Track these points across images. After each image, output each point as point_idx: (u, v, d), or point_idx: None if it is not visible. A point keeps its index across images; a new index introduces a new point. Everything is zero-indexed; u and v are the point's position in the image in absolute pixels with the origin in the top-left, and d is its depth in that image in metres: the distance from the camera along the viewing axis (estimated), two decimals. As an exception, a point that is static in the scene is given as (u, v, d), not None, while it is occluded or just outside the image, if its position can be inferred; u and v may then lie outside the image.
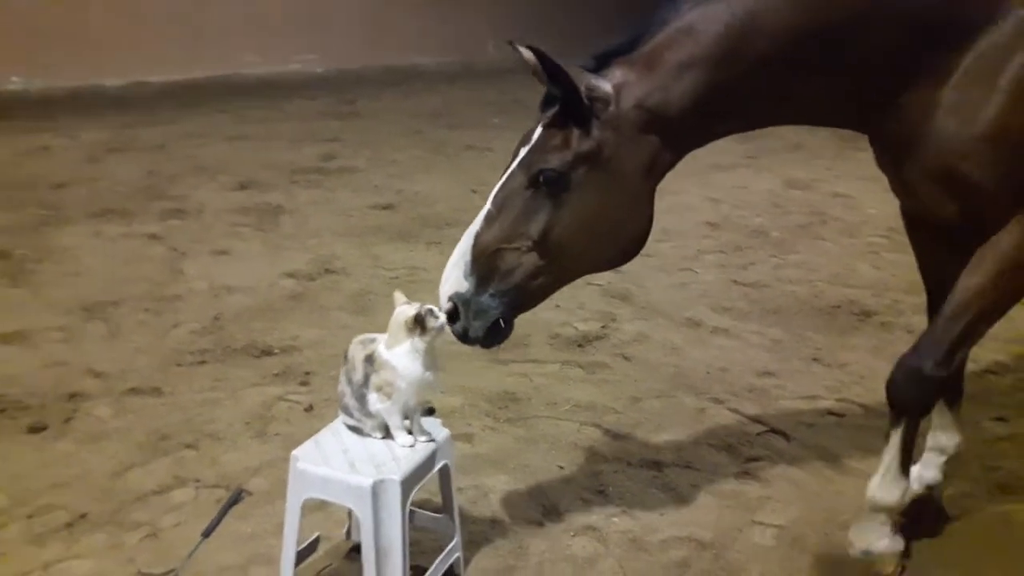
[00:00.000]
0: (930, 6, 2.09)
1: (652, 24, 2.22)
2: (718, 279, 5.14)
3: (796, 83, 2.20)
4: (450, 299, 2.30)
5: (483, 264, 2.26)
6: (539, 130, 2.26)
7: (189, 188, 6.91)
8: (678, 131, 2.25)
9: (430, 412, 2.51)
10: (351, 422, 2.37)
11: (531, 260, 2.27)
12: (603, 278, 5.05)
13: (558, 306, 4.65)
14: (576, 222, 2.25)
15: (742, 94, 2.21)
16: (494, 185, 2.31)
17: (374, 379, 2.27)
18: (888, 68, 2.16)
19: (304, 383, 3.78)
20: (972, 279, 2.26)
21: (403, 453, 2.29)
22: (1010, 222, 2.19)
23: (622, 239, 2.35)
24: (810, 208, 6.72)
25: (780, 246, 5.77)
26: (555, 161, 2.20)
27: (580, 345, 4.20)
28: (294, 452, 2.31)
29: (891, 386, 2.48)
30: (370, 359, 2.30)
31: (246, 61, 13.02)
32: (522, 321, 4.34)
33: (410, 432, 2.34)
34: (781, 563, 2.64)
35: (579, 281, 4.82)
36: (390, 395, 2.27)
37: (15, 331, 4.22)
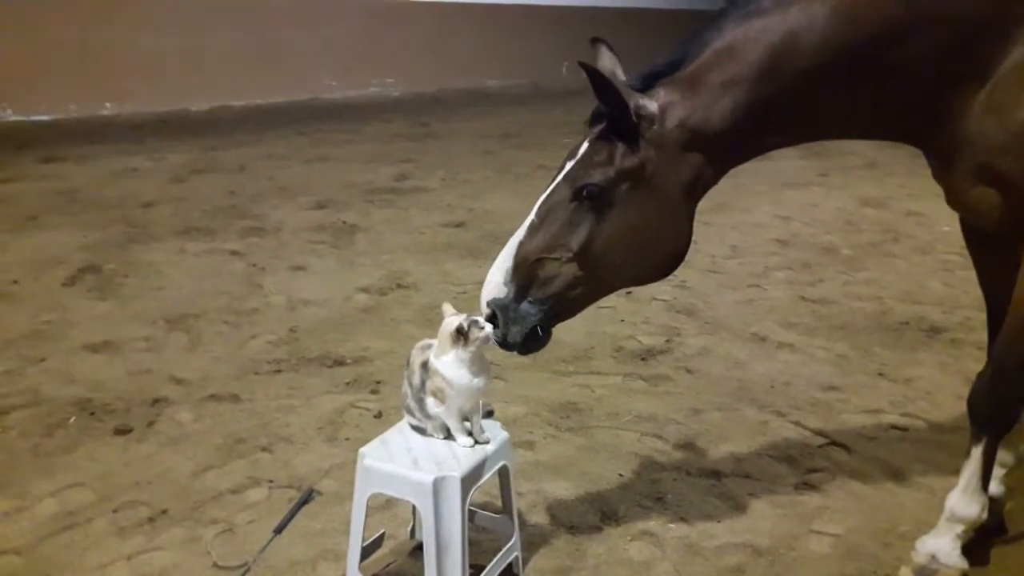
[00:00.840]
0: (967, 11, 2.11)
1: (695, 45, 2.28)
2: (785, 295, 5.12)
3: (837, 97, 2.23)
4: (488, 304, 2.36)
5: (523, 272, 2.33)
6: (585, 145, 2.32)
7: (269, 207, 7.20)
8: (721, 148, 2.30)
9: (489, 414, 2.59)
10: (414, 422, 2.48)
11: (570, 271, 2.33)
12: (669, 293, 5.10)
13: (623, 320, 4.72)
14: (616, 236, 2.30)
15: (784, 111, 2.25)
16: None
17: (429, 384, 2.38)
18: (928, 75, 2.18)
19: (374, 391, 3.92)
20: (1021, 288, 2.26)
21: (463, 452, 2.39)
22: None
23: (660, 255, 2.39)
24: (882, 226, 6.63)
25: (850, 263, 5.72)
26: (599, 176, 2.26)
27: (643, 358, 4.24)
28: (361, 450, 2.42)
29: (971, 402, 2.50)
30: (425, 365, 2.40)
31: (325, 85, 13.49)
32: (586, 334, 4.47)
33: (470, 433, 2.43)
34: (836, 571, 2.64)
35: (644, 296, 4.90)
36: (443, 400, 2.36)
37: (103, 341, 4.47)
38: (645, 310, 4.86)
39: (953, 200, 2.47)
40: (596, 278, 2.37)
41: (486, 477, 2.42)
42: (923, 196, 7.47)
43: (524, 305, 2.35)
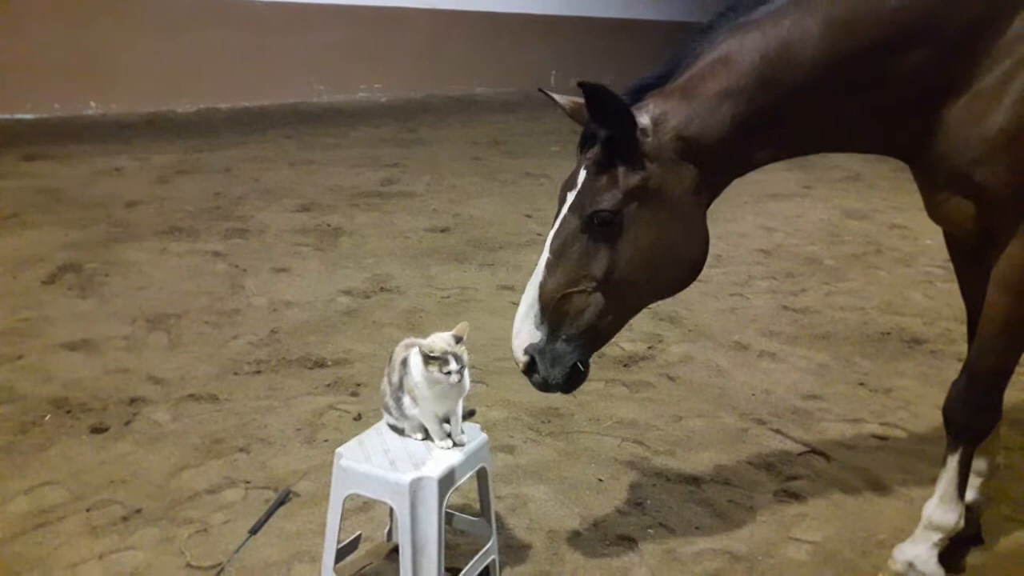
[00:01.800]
0: (952, 25, 2.14)
1: (685, 57, 2.29)
2: (768, 304, 5.13)
3: (828, 109, 2.25)
4: (526, 352, 2.32)
5: (552, 311, 2.29)
6: (583, 173, 2.29)
7: (253, 209, 7.16)
8: (718, 158, 2.29)
9: (470, 414, 2.58)
10: (392, 421, 2.46)
11: (598, 300, 2.30)
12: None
13: (605, 327, 4.71)
14: (636, 256, 2.28)
15: (779, 121, 2.26)
16: (548, 211, 2.39)
17: (406, 383, 2.36)
18: (915, 88, 2.21)
19: (355, 394, 3.89)
20: (993, 295, 2.29)
21: (441, 454, 2.37)
22: (1018, 231, 2.24)
23: (682, 263, 2.37)
24: (865, 238, 6.67)
25: (833, 274, 5.74)
26: (607, 201, 2.23)
27: (625, 364, 4.24)
28: (338, 450, 2.40)
29: (946, 410, 2.52)
30: (406, 363, 2.39)
31: (313, 90, 13.46)
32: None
33: (448, 435, 2.42)
34: (818, 578, 2.64)
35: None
36: (416, 401, 2.35)
37: (81, 339, 4.42)
38: (628, 317, 4.86)
39: (934, 212, 2.49)
40: (624, 301, 2.36)
41: (464, 479, 2.40)
42: (906, 209, 7.53)
43: (559, 345, 2.32)
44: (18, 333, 4.47)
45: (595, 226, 2.25)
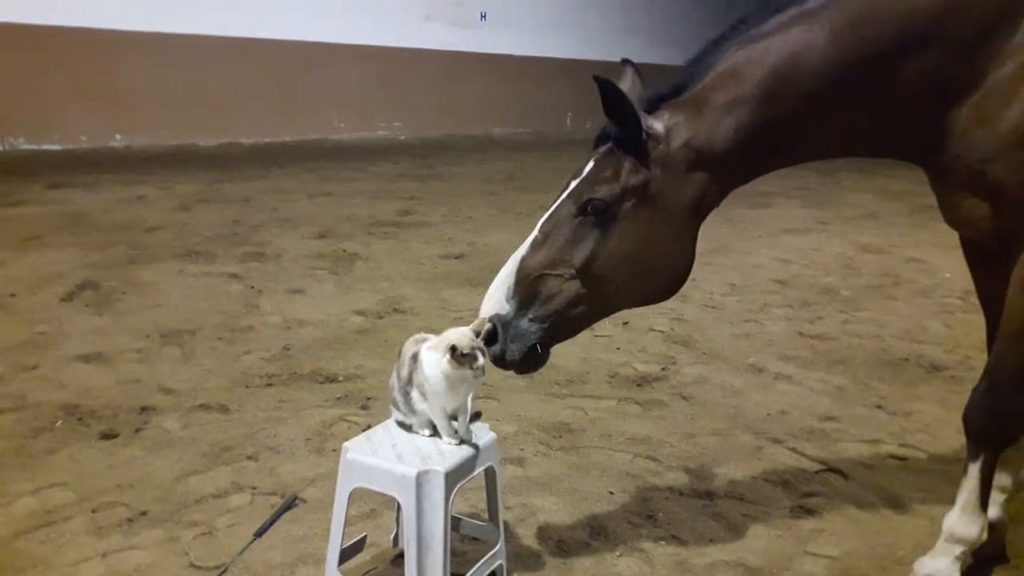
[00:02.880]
0: (962, 27, 2.13)
1: (699, 68, 2.31)
2: (784, 331, 5.08)
3: (838, 116, 2.25)
4: (490, 320, 2.33)
5: (525, 288, 2.31)
6: (590, 164, 2.31)
7: (270, 235, 7.22)
8: (724, 168, 2.30)
9: (476, 416, 2.55)
10: (399, 417, 2.44)
11: (572, 288, 2.31)
12: (666, 325, 5.06)
13: (619, 348, 4.68)
14: (620, 253, 2.28)
15: (786, 130, 2.26)
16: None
17: (416, 377, 2.34)
18: (925, 91, 2.20)
19: (365, 407, 3.87)
20: (1013, 297, 2.25)
21: (449, 449, 2.34)
22: None
23: (663, 274, 2.37)
24: (882, 270, 6.62)
25: (849, 303, 5.69)
26: (604, 192, 2.25)
27: (639, 384, 4.19)
28: (345, 443, 2.38)
29: (967, 417, 2.47)
30: (415, 358, 2.37)
31: (334, 127, 13.65)
32: (581, 360, 4.43)
33: (456, 432, 2.38)
34: (833, 592, 2.56)
35: (641, 327, 4.88)
36: (426, 396, 2.32)
37: (96, 352, 4.43)
38: (641, 340, 4.82)
39: (949, 214, 2.47)
40: (598, 296, 2.35)
41: (471, 476, 2.36)
42: (924, 245, 7.48)
43: (524, 322, 2.32)
44: (34, 345, 4.49)
45: (588, 214, 2.26)
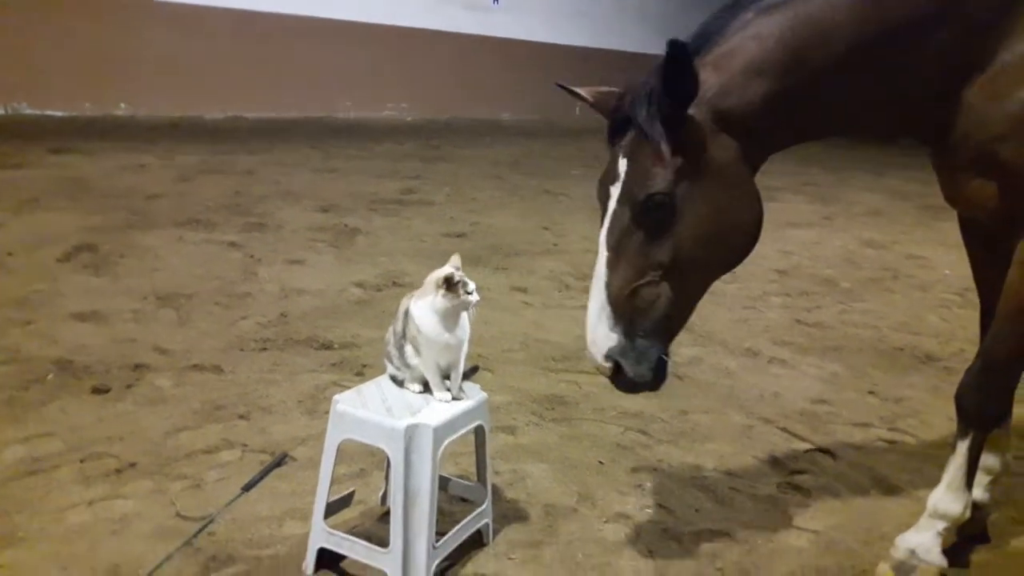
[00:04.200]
0: (979, 3, 2.13)
1: (715, 32, 2.24)
2: (781, 317, 5.08)
3: (858, 88, 2.22)
4: (607, 357, 2.21)
5: (623, 310, 2.19)
6: (623, 162, 2.21)
7: (272, 207, 7.21)
8: (750, 134, 2.22)
9: (474, 371, 2.55)
10: (393, 371, 2.44)
11: (666, 287, 2.20)
12: (663, 308, 5.06)
13: (615, 328, 4.67)
14: (697, 234, 2.18)
15: (808, 100, 2.21)
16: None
17: (409, 331, 2.35)
18: (943, 65, 2.19)
19: (359, 373, 3.86)
20: (1014, 274, 2.25)
21: (439, 405, 2.34)
22: None
23: (743, 229, 2.27)
24: (883, 265, 6.61)
25: (848, 295, 5.68)
26: (658, 183, 2.14)
27: (633, 363, 4.19)
28: (335, 396, 2.38)
29: (959, 396, 2.45)
30: (407, 313, 2.37)
31: (340, 105, 13.62)
32: (578, 337, 4.42)
33: (448, 389, 2.39)
34: (813, 563, 2.56)
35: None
36: (419, 350, 2.33)
37: (91, 311, 4.43)
38: (639, 321, 4.83)
39: (953, 193, 2.46)
40: (692, 282, 2.27)
41: (461, 433, 2.37)
42: (926, 243, 7.47)
43: (639, 341, 2.21)
44: (29, 302, 4.49)
45: (650, 211, 2.15)
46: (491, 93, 15.61)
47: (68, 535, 2.52)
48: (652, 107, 2.10)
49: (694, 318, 4.84)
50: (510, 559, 2.52)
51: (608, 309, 2.20)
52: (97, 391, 3.52)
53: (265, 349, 4.10)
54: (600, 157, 2.36)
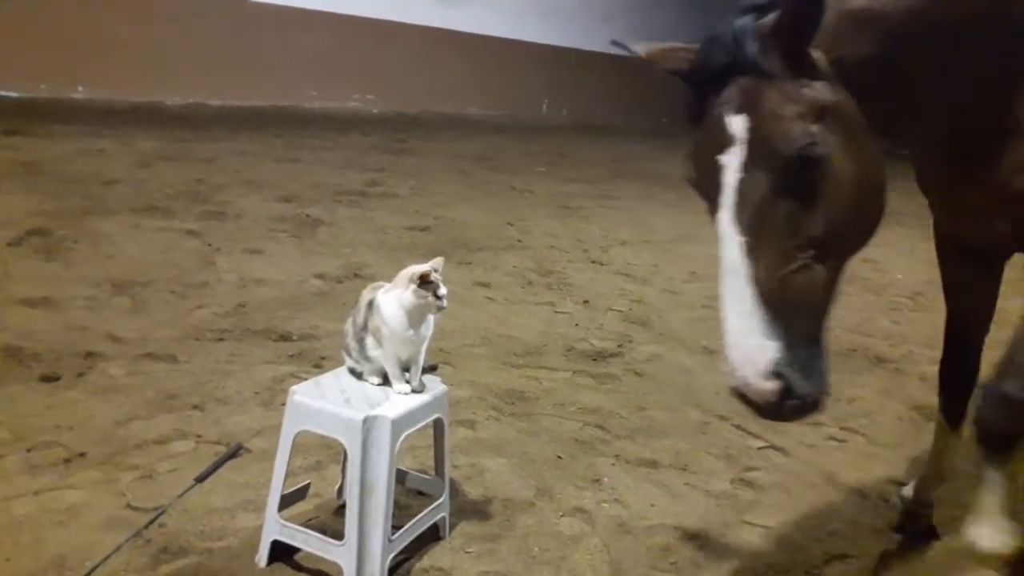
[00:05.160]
0: None
1: None
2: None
3: (913, 83, 1.93)
4: (776, 375, 1.70)
5: (779, 307, 1.71)
6: (738, 119, 1.74)
7: (233, 196, 7.10)
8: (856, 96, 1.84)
9: (432, 369, 2.54)
10: (351, 363, 2.43)
11: (821, 270, 1.75)
12: (625, 306, 5.11)
13: (577, 325, 4.70)
14: (848, 196, 1.75)
15: (911, 76, 1.89)
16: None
17: (371, 323, 2.33)
18: (994, 74, 1.99)
19: (318, 366, 3.83)
20: None
21: (398, 398, 2.33)
22: None
23: (881, 194, 1.88)
24: (840, 267, 6.71)
25: (806, 296, 5.76)
26: (808, 132, 1.69)
27: (594, 359, 4.21)
28: (292, 387, 2.36)
29: (980, 419, 2.13)
30: (371, 305, 2.36)
31: (306, 95, 13.47)
32: (540, 333, 4.44)
33: (408, 382, 2.38)
34: (764, 559, 2.61)
35: (601, 306, 4.91)
36: (380, 342, 2.32)
37: (42, 297, 4.32)
38: (600, 318, 4.85)
39: (948, 209, 2.34)
40: (844, 260, 1.84)
41: (419, 426, 2.36)
42: (881, 246, 7.59)
43: (803, 352, 1.74)
44: (-23, 287, 4.38)
45: (800, 171, 1.70)
46: (458, 88, 15.54)
47: (12, 526, 2.47)
48: (770, 40, 1.73)
49: (655, 316, 4.96)
50: (467, 552, 2.52)
51: (760, 311, 1.71)
52: (46, 379, 3.44)
53: (222, 339, 4.05)
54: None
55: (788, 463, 3.25)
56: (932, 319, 2.70)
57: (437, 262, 2.37)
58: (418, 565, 2.44)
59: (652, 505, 2.84)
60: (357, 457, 2.20)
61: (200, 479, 2.79)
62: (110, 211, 6.19)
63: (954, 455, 2.73)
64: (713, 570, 2.53)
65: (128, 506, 2.62)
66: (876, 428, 3.61)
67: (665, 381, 3.99)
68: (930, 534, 2.77)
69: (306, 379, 3.60)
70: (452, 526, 2.61)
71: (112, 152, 8.40)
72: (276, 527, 2.36)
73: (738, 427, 3.53)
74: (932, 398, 2.80)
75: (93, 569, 2.28)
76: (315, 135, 11.16)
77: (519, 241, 6.55)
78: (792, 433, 3.53)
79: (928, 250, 2.74)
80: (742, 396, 1.78)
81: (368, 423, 2.20)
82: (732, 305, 1.76)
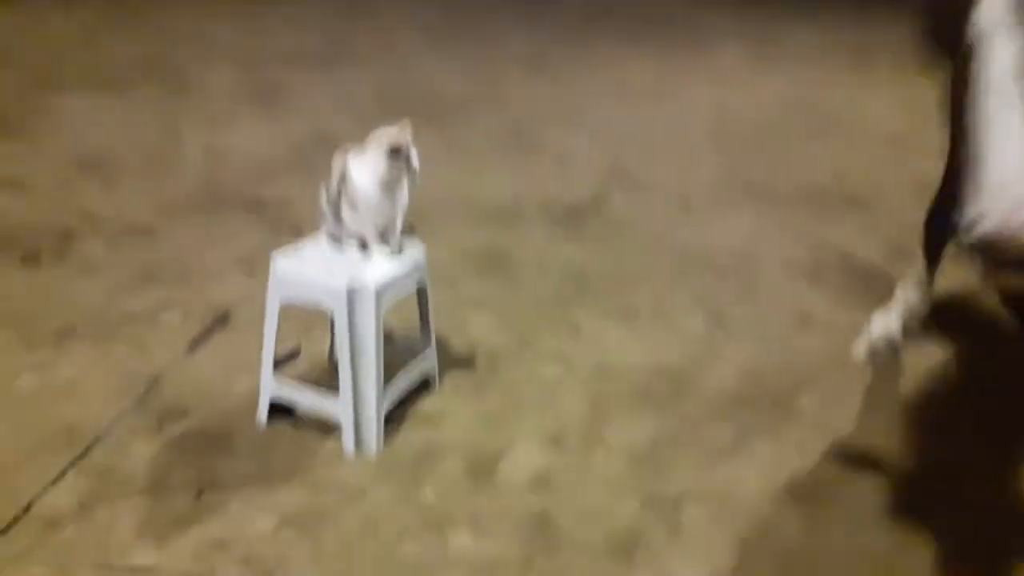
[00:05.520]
0: None
1: None
2: (714, 171, 5.14)
3: None
4: None
5: None
6: None
7: (191, 67, 6.88)
8: None
9: (411, 230, 2.57)
10: (330, 229, 2.45)
11: None
12: (602, 161, 5.10)
13: (552, 181, 4.72)
14: None
15: None
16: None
17: (345, 190, 2.34)
18: None
19: (297, 233, 3.84)
20: None
21: (379, 262, 2.37)
22: None
23: None
24: (815, 112, 6.67)
25: (782, 144, 5.74)
26: None
27: (570, 215, 4.25)
28: (274, 253, 2.39)
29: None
30: (344, 175, 2.36)
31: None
32: (514, 194, 4.45)
33: (387, 243, 2.41)
34: (737, 391, 2.77)
35: (575, 161, 4.89)
36: (356, 208, 2.33)
37: (9, 178, 4.27)
38: (574, 173, 4.86)
39: None
40: None
41: (402, 288, 2.41)
42: (859, 87, 7.53)
43: None
44: (-64, 169, 4.31)
45: None
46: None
47: (17, 400, 2.55)
48: None
49: (633, 169, 4.96)
50: (457, 398, 2.65)
51: None
52: (27, 260, 3.46)
53: (198, 212, 4.04)
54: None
55: (762, 303, 3.36)
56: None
57: (404, 125, 2.35)
58: (411, 410, 2.56)
59: (630, 349, 2.96)
60: (344, 322, 2.26)
61: (193, 346, 2.87)
62: (65, 87, 6.02)
63: (928, 293, 2.81)
64: (688, 404, 2.67)
65: (126, 376, 2.69)
66: (852, 270, 3.71)
67: (641, 233, 4.05)
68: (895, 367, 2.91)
69: (285, 246, 3.69)
70: (441, 378, 2.72)
71: (58, 25, 8.06)
72: (273, 385, 2.45)
73: (713, 273, 3.62)
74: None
75: (100, 438, 2.38)
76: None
77: (492, 101, 6.44)
78: (765, 271, 3.64)
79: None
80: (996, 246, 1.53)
81: (352, 293, 2.24)
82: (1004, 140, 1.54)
